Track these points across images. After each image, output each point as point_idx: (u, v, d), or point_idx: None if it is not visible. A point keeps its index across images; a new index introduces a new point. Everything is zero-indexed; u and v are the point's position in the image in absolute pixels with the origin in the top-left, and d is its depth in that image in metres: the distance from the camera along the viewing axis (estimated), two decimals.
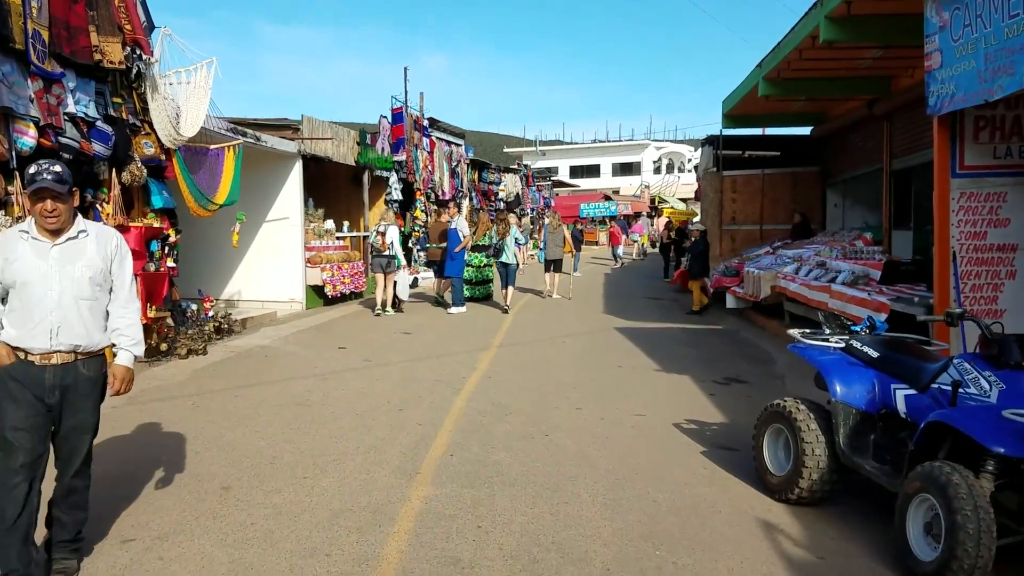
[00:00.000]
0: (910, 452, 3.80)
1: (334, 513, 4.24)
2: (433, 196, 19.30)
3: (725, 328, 12.00)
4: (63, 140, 7.35)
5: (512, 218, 15.10)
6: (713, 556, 3.78)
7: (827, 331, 4.97)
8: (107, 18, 7.87)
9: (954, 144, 6.14)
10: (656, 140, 65.90)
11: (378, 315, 12.71)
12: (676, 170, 58.28)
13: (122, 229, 8.01)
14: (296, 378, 7.83)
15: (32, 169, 3.25)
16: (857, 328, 4.92)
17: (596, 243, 37.29)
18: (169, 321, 9.03)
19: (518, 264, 14.40)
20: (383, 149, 16.54)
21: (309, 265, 13.52)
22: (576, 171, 60.55)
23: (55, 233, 3.31)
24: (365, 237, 15.76)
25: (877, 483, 4.08)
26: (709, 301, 13.88)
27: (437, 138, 19.79)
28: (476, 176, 24.44)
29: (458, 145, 21.92)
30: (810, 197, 15.87)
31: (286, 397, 6.98)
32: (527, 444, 5.57)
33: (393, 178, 16.91)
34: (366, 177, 16.19)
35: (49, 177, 3.20)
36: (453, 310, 13.27)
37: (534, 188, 33.27)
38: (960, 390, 3.77)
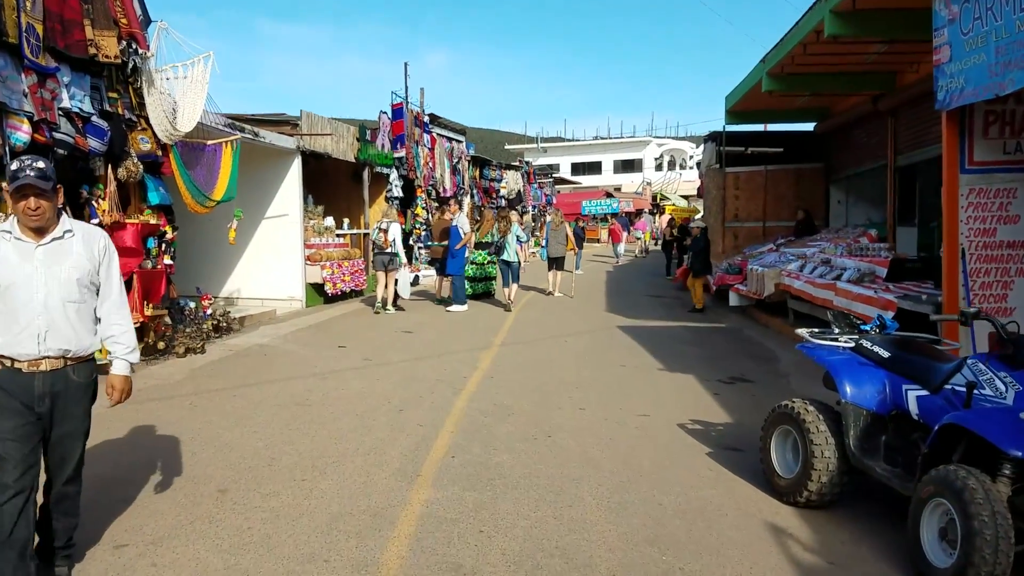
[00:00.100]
0: (923, 455, 3.71)
1: (333, 517, 4.15)
2: (434, 193, 19.18)
3: (728, 326, 11.91)
4: (58, 136, 7.23)
5: (514, 215, 15.00)
6: (720, 561, 3.71)
7: (836, 330, 4.86)
8: (102, 12, 7.76)
9: (963, 139, 6.05)
10: (658, 137, 65.70)
11: (378, 313, 12.63)
12: (678, 167, 58.24)
13: (118, 226, 7.92)
14: (295, 377, 7.74)
15: (14, 165, 3.11)
16: (867, 327, 4.82)
17: (597, 240, 37.22)
18: (167, 319, 8.95)
19: (520, 262, 14.32)
20: (383, 145, 16.42)
21: (309, 263, 13.43)
22: (578, 168, 60.46)
23: (39, 232, 3.18)
24: (365, 234, 15.67)
25: (888, 486, 3.99)
26: (706, 302, 13.72)
27: (438, 134, 19.67)
28: (477, 173, 24.32)
29: (459, 142, 21.79)
30: (814, 194, 15.77)
31: (285, 397, 6.89)
32: (529, 445, 5.48)
33: (394, 175, 16.78)
34: (366, 174, 16.08)
35: (32, 173, 3.05)
36: (454, 308, 13.18)
37: (536, 185, 33.14)
38: (975, 391, 3.68)
